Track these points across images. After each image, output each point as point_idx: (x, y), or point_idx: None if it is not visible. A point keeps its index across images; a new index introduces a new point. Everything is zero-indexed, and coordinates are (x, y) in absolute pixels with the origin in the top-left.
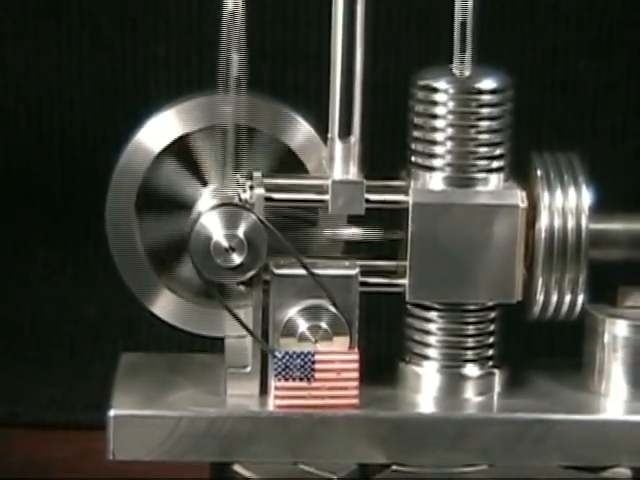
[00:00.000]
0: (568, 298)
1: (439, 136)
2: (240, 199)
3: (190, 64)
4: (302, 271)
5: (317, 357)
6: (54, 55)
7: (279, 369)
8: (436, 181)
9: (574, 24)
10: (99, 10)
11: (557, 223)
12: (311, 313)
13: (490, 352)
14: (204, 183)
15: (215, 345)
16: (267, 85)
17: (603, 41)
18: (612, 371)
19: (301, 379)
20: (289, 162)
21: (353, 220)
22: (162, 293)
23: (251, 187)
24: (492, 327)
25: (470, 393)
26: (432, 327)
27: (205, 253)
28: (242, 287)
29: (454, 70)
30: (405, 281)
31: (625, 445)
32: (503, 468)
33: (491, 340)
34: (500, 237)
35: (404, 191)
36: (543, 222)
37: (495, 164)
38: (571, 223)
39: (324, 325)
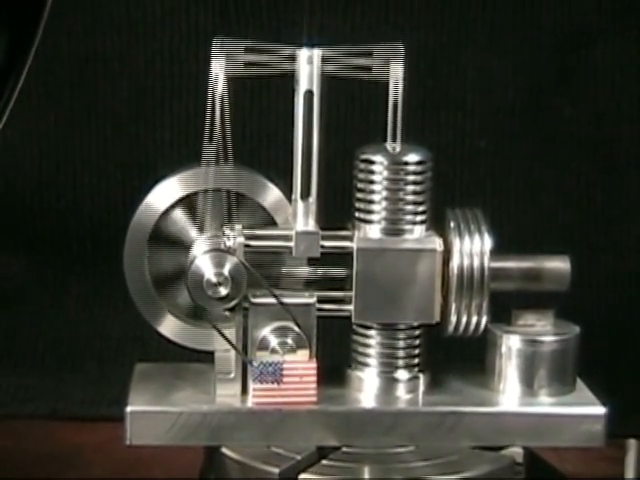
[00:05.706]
0: (474, 319)
1: (376, 197)
2: (225, 245)
3: (188, 145)
4: (273, 300)
5: (285, 366)
6: (86, 137)
7: (255, 375)
8: (374, 231)
9: (478, 112)
10: (120, 105)
11: (466, 262)
12: (280, 332)
13: (416, 360)
14: (199, 233)
15: (207, 357)
16: (247, 159)
17: (499, 126)
18: (508, 374)
19: (272, 382)
20: (263, 217)
21: (312, 261)
22: (167, 317)
23: (234, 236)
24: (417, 341)
25: (401, 392)
26: (372, 342)
27: (199, 287)
28: (227, 313)
29: (388, 147)
30: (351, 307)
31: (518, 430)
32: (426, 448)
33: (417, 351)
34: (423, 274)
35: (350, 239)
36: (455, 262)
37: (419, 218)
38: (476, 262)
39: (290, 341)
